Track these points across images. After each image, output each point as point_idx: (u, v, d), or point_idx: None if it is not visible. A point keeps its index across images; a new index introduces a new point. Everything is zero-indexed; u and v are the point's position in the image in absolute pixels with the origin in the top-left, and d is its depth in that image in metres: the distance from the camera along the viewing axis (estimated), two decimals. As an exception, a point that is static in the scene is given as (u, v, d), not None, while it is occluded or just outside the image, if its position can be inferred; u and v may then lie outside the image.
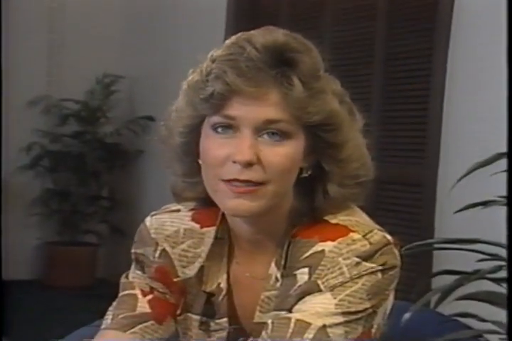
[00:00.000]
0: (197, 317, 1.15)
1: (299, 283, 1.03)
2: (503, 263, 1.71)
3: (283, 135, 1.02)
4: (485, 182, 2.05)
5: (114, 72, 4.62)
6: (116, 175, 4.78)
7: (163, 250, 1.15)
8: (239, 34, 1.05)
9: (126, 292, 1.16)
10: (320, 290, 1.01)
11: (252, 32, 1.04)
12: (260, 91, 1.00)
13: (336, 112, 1.04)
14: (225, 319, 1.13)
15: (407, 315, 1.40)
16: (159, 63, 4.58)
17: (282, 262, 1.07)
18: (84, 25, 4.76)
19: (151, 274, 1.15)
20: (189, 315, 1.16)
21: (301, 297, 1.02)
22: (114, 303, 1.16)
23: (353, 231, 1.03)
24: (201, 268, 1.13)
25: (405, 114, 3.08)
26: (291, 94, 1.00)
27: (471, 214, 1.87)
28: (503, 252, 1.77)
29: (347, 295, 1.00)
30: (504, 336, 1.71)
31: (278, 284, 1.07)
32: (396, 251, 1.05)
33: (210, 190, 1.06)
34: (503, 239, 1.83)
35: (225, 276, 1.12)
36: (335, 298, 1.00)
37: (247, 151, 1.00)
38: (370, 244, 1.02)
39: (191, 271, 1.14)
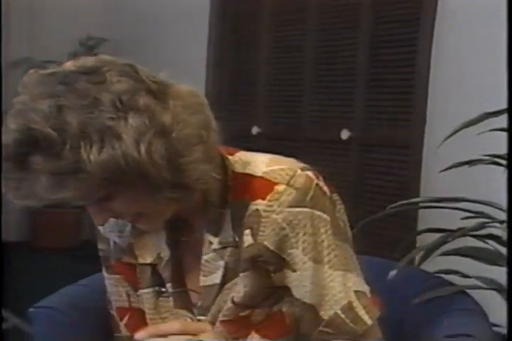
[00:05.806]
0: (149, 290, 1.14)
1: (245, 245, 1.04)
2: (487, 220, 1.74)
3: None
4: (471, 142, 2.06)
5: (98, 35, 4.57)
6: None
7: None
8: None
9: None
10: (270, 251, 1.02)
11: None
12: None
13: None
14: (169, 284, 1.12)
15: (392, 273, 1.41)
16: (143, 27, 4.53)
17: (214, 226, 1.06)
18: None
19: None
20: (142, 291, 1.15)
21: (253, 261, 1.03)
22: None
23: (276, 184, 1.02)
24: (130, 245, 1.15)
25: (392, 77, 3.07)
26: None
27: (456, 173, 1.89)
28: (487, 209, 1.80)
29: (328, 254, 1.02)
30: (486, 291, 1.74)
31: (212, 246, 1.06)
32: (322, 186, 1.03)
33: None
34: (487, 197, 1.85)
35: (164, 246, 1.12)
36: (325, 266, 1.02)
37: None
38: (296, 189, 1.01)
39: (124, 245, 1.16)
